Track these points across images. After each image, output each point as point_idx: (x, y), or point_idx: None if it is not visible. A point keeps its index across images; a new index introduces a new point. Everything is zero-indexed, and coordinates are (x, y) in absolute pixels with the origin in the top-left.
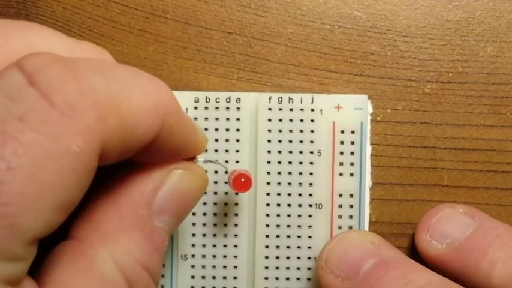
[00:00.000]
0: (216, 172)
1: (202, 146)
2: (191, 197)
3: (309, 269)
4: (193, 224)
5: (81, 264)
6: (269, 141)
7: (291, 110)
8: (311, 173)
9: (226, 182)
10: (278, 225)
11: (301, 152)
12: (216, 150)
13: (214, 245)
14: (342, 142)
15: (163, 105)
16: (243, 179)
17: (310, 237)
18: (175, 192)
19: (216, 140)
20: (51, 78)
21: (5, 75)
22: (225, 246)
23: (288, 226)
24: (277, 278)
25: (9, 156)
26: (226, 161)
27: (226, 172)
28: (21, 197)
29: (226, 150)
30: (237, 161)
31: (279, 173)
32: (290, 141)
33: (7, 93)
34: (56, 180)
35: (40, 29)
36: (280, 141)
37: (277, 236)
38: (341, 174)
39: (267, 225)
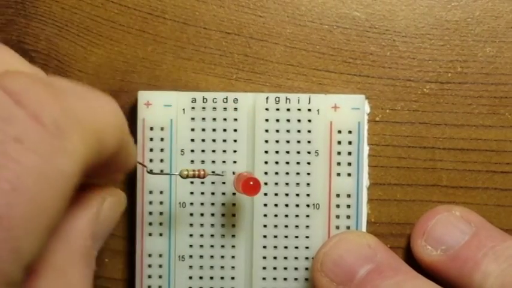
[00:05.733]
0: (213, 172)
1: (129, 169)
2: (115, 222)
3: (306, 269)
4: (191, 225)
5: None
6: (266, 141)
7: (288, 110)
8: (308, 173)
9: (224, 183)
10: (276, 226)
11: (298, 152)
12: (214, 151)
13: (212, 246)
14: (339, 142)
15: (123, 120)
16: (251, 183)
17: (307, 237)
18: (107, 219)
19: (214, 141)
20: (38, 98)
21: None
22: (222, 246)
23: (286, 226)
24: (274, 278)
25: (13, 179)
26: (224, 161)
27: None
28: (24, 220)
29: (224, 151)
30: (235, 161)
31: (277, 173)
32: (287, 142)
33: None
34: (50, 202)
35: None
36: (277, 141)
37: (275, 236)
38: (338, 174)
39: (265, 226)
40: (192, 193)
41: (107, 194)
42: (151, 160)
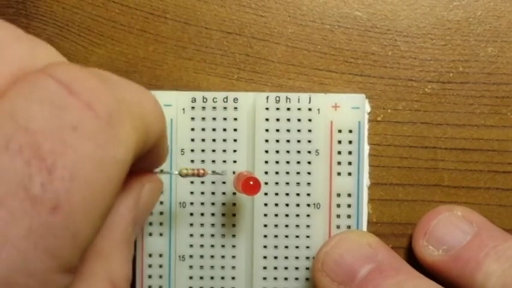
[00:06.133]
0: (213, 172)
1: (164, 160)
2: (153, 208)
3: (307, 268)
4: (191, 225)
5: (79, 277)
6: (267, 140)
7: (289, 109)
8: (309, 173)
9: (224, 182)
10: (276, 225)
11: (299, 152)
12: (214, 150)
13: (212, 246)
14: (339, 141)
15: (163, 114)
16: (251, 182)
17: (308, 237)
18: (146, 206)
19: (214, 140)
20: (89, 88)
21: (38, 84)
22: (223, 246)
23: (286, 226)
24: (275, 278)
25: (71, 166)
26: (224, 161)
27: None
28: (82, 207)
29: (224, 150)
30: (235, 161)
31: (277, 172)
32: (288, 141)
33: (51, 102)
34: (106, 189)
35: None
36: (277, 140)
37: (276, 236)
38: (339, 174)
39: (265, 225)
40: (192, 193)
41: (145, 181)
42: None
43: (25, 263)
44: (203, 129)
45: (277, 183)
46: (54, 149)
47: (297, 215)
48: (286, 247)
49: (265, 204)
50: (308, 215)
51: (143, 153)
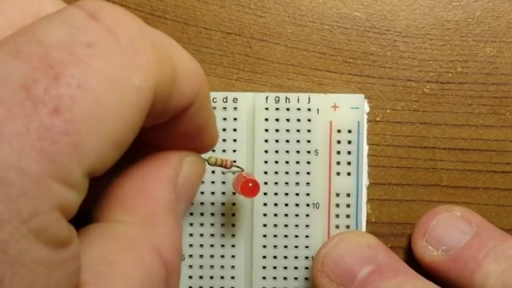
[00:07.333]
0: (213, 172)
1: (213, 142)
2: (198, 185)
3: (306, 268)
4: (191, 224)
5: (122, 243)
6: (266, 140)
7: (288, 109)
8: (308, 173)
9: (223, 182)
10: (275, 225)
11: (298, 152)
12: (213, 150)
13: (212, 245)
14: (339, 141)
15: (202, 75)
16: (250, 184)
17: (307, 236)
18: (188, 179)
19: None
20: (114, 15)
21: (64, 12)
22: (222, 246)
23: (286, 226)
24: (274, 278)
25: (80, 76)
26: None
27: (223, 173)
28: (87, 117)
29: (224, 150)
30: (234, 161)
31: (276, 172)
32: (287, 141)
33: (71, 23)
34: (117, 110)
35: None
36: (277, 140)
37: (275, 236)
38: (338, 174)
39: (265, 225)
40: None
41: (184, 154)
42: None
43: (18, 160)
44: None
45: (276, 183)
46: (63, 58)
47: (296, 215)
48: (286, 247)
49: (265, 204)
50: (307, 215)
51: (175, 108)
